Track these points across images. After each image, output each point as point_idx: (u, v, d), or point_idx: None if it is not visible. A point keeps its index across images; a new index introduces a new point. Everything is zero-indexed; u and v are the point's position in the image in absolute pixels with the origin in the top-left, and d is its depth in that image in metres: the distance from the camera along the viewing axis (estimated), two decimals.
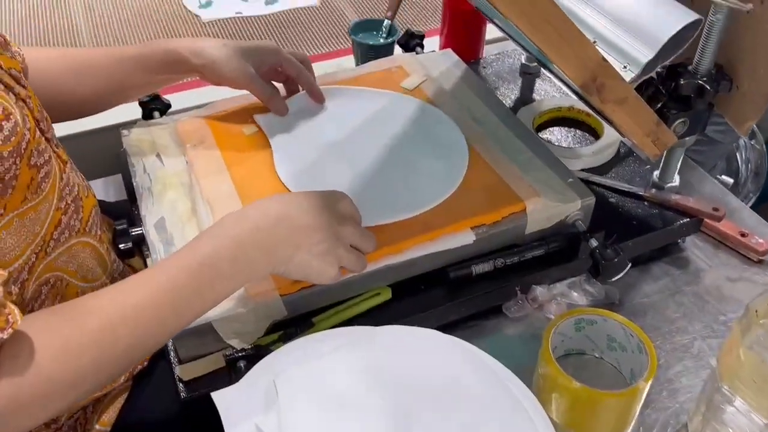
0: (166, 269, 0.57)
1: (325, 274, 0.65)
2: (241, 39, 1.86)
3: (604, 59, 0.62)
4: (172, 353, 0.69)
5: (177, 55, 0.80)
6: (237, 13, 2.13)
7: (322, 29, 1.90)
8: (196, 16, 2.08)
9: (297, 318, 0.70)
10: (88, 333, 0.53)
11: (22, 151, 0.57)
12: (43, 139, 0.63)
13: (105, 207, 0.94)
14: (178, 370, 0.68)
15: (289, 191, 0.78)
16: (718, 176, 1.34)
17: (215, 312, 0.65)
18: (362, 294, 0.73)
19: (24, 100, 0.62)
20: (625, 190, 0.86)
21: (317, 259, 0.63)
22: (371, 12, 1.94)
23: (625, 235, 0.80)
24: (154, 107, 0.93)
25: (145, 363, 0.74)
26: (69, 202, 0.66)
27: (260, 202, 0.64)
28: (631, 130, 0.68)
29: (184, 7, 2.13)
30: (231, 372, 0.67)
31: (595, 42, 0.71)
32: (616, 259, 0.73)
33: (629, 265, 0.74)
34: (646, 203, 0.84)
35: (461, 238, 0.74)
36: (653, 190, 0.84)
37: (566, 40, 0.59)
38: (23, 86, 0.64)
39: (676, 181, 0.84)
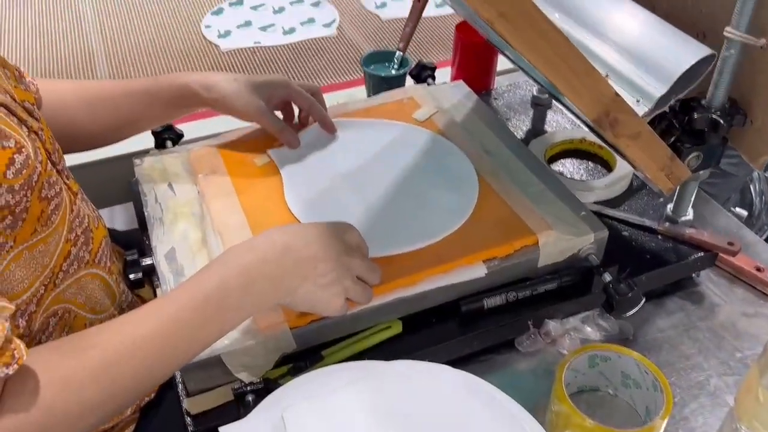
0: (172, 302, 0.57)
1: (331, 305, 0.64)
2: (259, 68, 1.88)
3: (617, 94, 0.61)
4: (180, 385, 0.68)
5: (188, 90, 0.81)
6: (255, 42, 2.16)
7: (338, 59, 1.92)
8: (216, 45, 2.11)
9: (306, 351, 0.70)
10: (92, 367, 0.53)
11: (33, 184, 0.57)
12: (55, 171, 0.63)
13: (116, 236, 0.94)
14: (186, 403, 0.67)
15: (299, 222, 0.78)
16: (732, 208, 1.32)
17: (224, 344, 0.65)
18: (372, 327, 0.72)
19: (36, 133, 0.63)
20: (639, 223, 0.85)
21: (323, 290, 0.63)
22: (386, 43, 1.96)
23: (638, 269, 0.79)
24: (167, 137, 0.94)
25: (153, 394, 0.73)
26: (79, 233, 0.66)
27: (267, 233, 0.64)
28: (644, 164, 0.68)
29: (203, 36, 2.16)
30: (239, 406, 0.66)
31: (607, 76, 0.71)
32: (629, 294, 0.72)
33: (643, 300, 0.73)
34: (659, 237, 0.84)
35: (473, 271, 0.73)
36: (667, 224, 0.83)
37: (579, 75, 0.58)
38: (36, 119, 0.64)
39: (690, 214, 0.84)
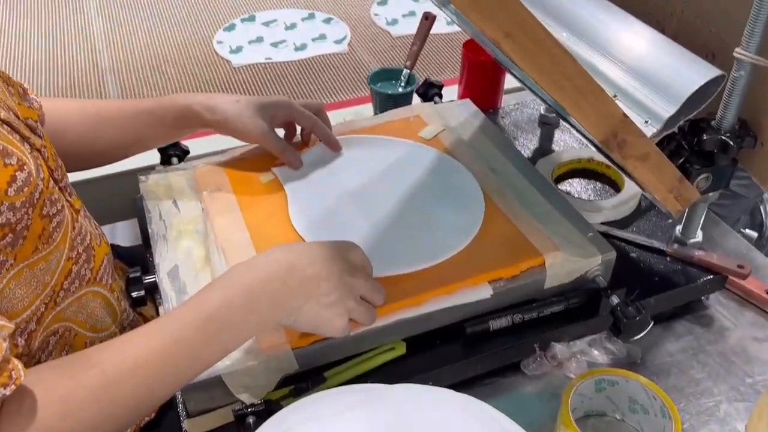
0: (172, 322, 0.56)
1: (334, 325, 0.63)
2: (269, 83, 1.89)
3: (624, 115, 0.61)
4: (180, 406, 0.68)
5: (191, 111, 0.81)
6: (267, 58, 2.17)
7: (348, 76, 1.93)
8: (227, 61, 2.12)
9: (308, 372, 0.69)
10: (91, 387, 0.52)
11: (35, 202, 0.57)
12: (57, 188, 0.63)
13: (120, 252, 0.94)
14: (186, 424, 0.66)
15: (303, 240, 0.77)
16: (742, 230, 1.31)
17: (224, 365, 0.64)
18: (376, 348, 0.71)
19: (39, 150, 0.62)
20: (647, 244, 0.84)
21: (326, 310, 0.62)
22: (397, 60, 1.96)
23: (646, 292, 0.78)
24: (172, 153, 0.94)
25: (153, 414, 0.72)
26: (80, 251, 0.65)
27: (270, 252, 0.63)
28: (653, 186, 0.67)
29: (215, 52, 2.17)
30: (240, 427, 0.65)
31: (615, 96, 0.70)
32: (637, 318, 0.71)
33: (651, 323, 0.72)
34: (668, 259, 0.82)
35: (478, 292, 0.72)
36: (675, 246, 0.82)
37: (586, 95, 0.58)
38: (39, 136, 0.64)
39: (699, 236, 0.83)
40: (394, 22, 2.38)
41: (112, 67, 1.92)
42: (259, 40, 2.27)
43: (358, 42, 2.23)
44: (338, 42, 2.26)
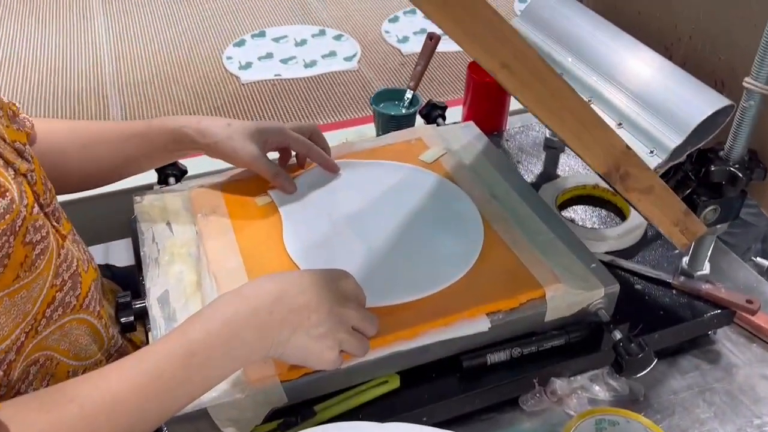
0: (153, 355, 0.55)
1: (324, 358, 0.61)
2: (277, 100, 1.88)
3: (627, 147, 0.58)
4: None
5: (182, 134, 0.80)
6: (276, 75, 2.16)
7: (357, 93, 1.92)
8: (236, 77, 2.11)
9: (298, 405, 0.67)
10: (67, 422, 0.50)
11: (17, 229, 0.55)
12: (42, 214, 0.61)
13: (115, 272, 0.92)
14: None
15: (297, 266, 0.75)
16: (753, 258, 1.28)
17: (211, 396, 0.62)
18: (368, 381, 0.69)
19: (25, 175, 0.61)
20: (652, 276, 0.81)
21: (316, 342, 0.60)
22: (407, 78, 1.95)
23: (651, 326, 0.75)
24: (170, 173, 0.92)
25: None
26: (66, 278, 0.64)
27: (257, 281, 0.61)
28: (657, 219, 0.65)
29: (225, 68, 2.17)
30: None
31: (620, 125, 0.68)
32: (640, 355, 0.68)
33: (655, 361, 0.69)
34: (674, 291, 0.80)
35: (475, 324, 0.70)
36: (682, 278, 0.80)
37: (587, 127, 0.56)
38: (27, 159, 0.63)
39: (707, 268, 0.80)
40: (405, 39, 2.37)
41: (115, 82, 1.92)
42: (269, 56, 2.26)
43: (368, 59, 2.22)
44: (348, 59, 2.25)
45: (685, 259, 0.81)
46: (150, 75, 1.98)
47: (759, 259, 1.22)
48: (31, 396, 0.53)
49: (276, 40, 2.36)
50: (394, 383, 0.69)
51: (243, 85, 2.06)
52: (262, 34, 2.39)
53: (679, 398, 0.75)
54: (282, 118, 1.79)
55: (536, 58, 0.50)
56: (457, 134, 0.96)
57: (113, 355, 0.72)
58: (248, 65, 2.20)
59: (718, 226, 0.73)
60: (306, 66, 2.20)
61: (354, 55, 2.26)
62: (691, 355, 0.79)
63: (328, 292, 0.61)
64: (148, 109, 1.83)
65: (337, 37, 2.38)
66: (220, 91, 1.93)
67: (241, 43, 2.33)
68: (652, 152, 0.67)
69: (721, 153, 0.70)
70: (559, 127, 0.54)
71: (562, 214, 0.92)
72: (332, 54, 2.28)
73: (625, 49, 0.75)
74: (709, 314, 0.77)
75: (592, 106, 0.72)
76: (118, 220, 0.98)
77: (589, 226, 0.90)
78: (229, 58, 2.23)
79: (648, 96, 0.70)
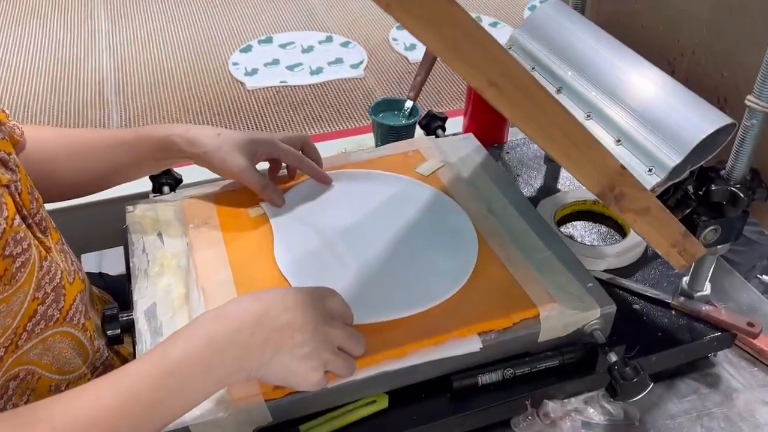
0: (131, 376, 0.53)
1: (308, 379, 0.60)
2: (282, 107, 1.87)
3: (622, 167, 0.57)
4: None
5: (170, 142, 0.78)
6: (282, 82, 2.15)
7: (362, 101, 1.90)
8: (241, 83, 2.11)
9: (283, 425, 0.65)
10: None
11: None
12: (24, 226, 0.60)
13: (107, 281, 0.91)
14: None
15: (287, 280, 0.74)
16: (759, 276, 1.26)
17: (193, 415, 0.61)
18: (356, 401, 0.67)
19: (7, 186, 0.60)
20: (651, 296, 0.79)
21: (300, 362, 0.58)
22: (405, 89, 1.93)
23: (648, 348, 0.73)
24: (164, 181, 0.91)
25: None
26: (48, 291, 0.62)
27: (240, 299, 0.60)
28: (654, 240, 0.63)
29: (230, 74, 2.16)
30: None
31: (619, 141, 0.66)
32: (635, 379, 0.66)
33: (651, 385, 0.67)
34: (673, 312, 0.78)
35: (467, 344, 0.68)
36: (681, 299, 0.78)
37: (579, 147, 0.54)
38: (12, 169, 0.62)
39: (708, 289, 0.78)
40: (413, 47, 2.36)
41: (128, 85, 1.91)
42: (275, 62, 2.25)
43: (375, 67, 2.20)
44: (355, 66, 2.24)
45: (686, 279, 0.79)
46: (155, 79, 1.97)
47: (764, 277, 1.20)
48: (3, 415, 0.51)
49: (283, 46, 2.35)
50: (383, 403, 0.68)
51: (248, 91, 2.05)
52: (269, 40, 2.38)
53: (676, 423, 0.73)
54: (285, 126, 1.78)
55: (525, 76, 0.49)
56: (456, 146, 0.95)
57: (98, 368, 0.71)
58: (254, 72, 2.19)
59: (719, 246, 0.71)
60: (312, 73, 2.19)
61: (361, 62, 2.25)
62: (689, 378, 0.77)
63: (313, 310, 0.60)
64: (151, 113, 1.83)
65: (345, 44, 2.37)
66: (226, 97, 1.93)
67: (247, 49, 2.33)
68: (650, 170, 0.65)
69: (723, 172, 0.68)
70: (551, 147, 0.53)
71: (561, 229, 0.90)
72: (339, 61, 2.27)
73: (627, 64, 0.73)
74: (708, 337, 0.75)
75: (590, 121, 0.70)
76: (113, 228, 0.97)
77: (589, 243, 0.88)
78: (235, 64, 2.22)
79: (648, 112, 0.68)
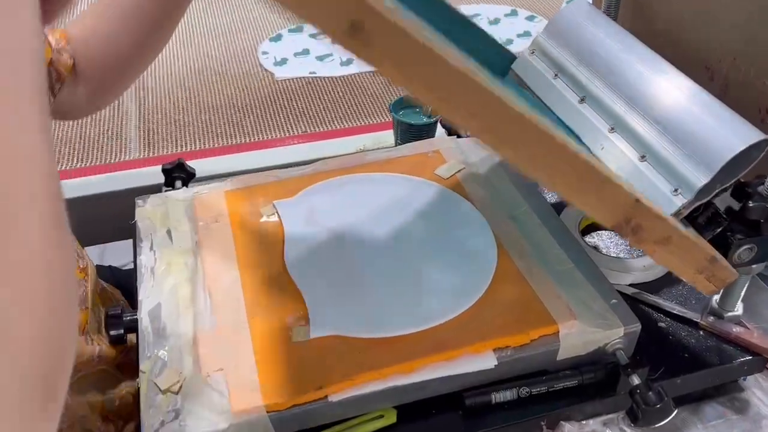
0: None
1: None
2: (310, 98, 1.85)
3: (638, 200, 0.52)
4: None
5: None
6: (311, 72, 2.12)
7: (388, 96, 1.87)
8: (271, 73, 2.09)
9: None
10: None
11: None
12: None
13: (116, 274, 0.90)
14: None
15: (296, 286, 0.72)
16: None
17: (195, 427, 0.59)
18: (362, 415, 0.65)
19: None
20: (679, 314, 0.75)
21: None
22: None
23: (673, 369, 0.70)
24: (177, 176, 0.89)
25: None
26: None
27: None
28: (677, 268, 0.58)
29: (260, 63, 2.14)
30: None
31: (644, 157, 0.62)
32: (658, 405, 0.62)
33: (675, 412, 0.64)
34: (701, 332, 0.74)
35: (481, 361, 0.65)
36: (711, 318, 0.73)
37: (590, 183, 0.49)
38: None
39: (739, 309, 0.73)
40: None
41: (155, 73, 1.90)
42: (305, 52, 2.23)
43: None
44: None
45: (716, 298, 0.74)
46: (186, 68, 1.96)
47: None
48: None
49: (313, 35, 2.32)
50: (390, 418, 0.65)
51: (277, 81, 2.03)
52: (299, 29, 2.36)
53: None
54: (312, 118, 1.75)
55: (524, 120, 0.44)
56: (478, 148, 0.91)
57: (93, 375, 0.69)
58: (284, 61, 2.16)
59: (754, 266, 0.67)
60: (342, 64, 2.16)
61: None
62: (716, 403, 0.73)
63: None
64: (177, 102, 1.81)
65: None
66: (254, 86, 1.91)
67: (277, 38, 2.30)
68: (676, 191, 0.61)
69: (761, 188, 0.64)
70: (559, 186, 0.48)
71: (586, 239, 0.86)
72: None
73: (657, 74, 0.68)
74: (738, 360, 0.71)
75: (613, 135, 0.66)
76: (123, 219, 0.96)
77: (614, 255, 0.84)
78: (264, 53, 2.20)
79: (677, 127, 0.63)
